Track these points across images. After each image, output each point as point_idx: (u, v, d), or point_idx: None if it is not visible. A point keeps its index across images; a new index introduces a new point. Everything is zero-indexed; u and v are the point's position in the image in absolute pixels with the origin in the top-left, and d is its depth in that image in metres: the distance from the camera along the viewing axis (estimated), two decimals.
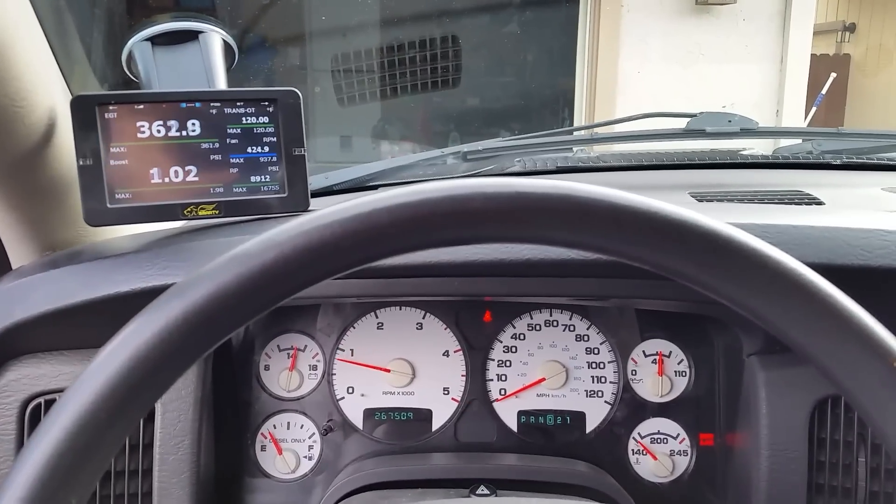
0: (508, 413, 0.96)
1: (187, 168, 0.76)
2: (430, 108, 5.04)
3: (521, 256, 0.72)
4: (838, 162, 1.32)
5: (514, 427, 0.96)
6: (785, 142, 1.61)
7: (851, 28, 7.86)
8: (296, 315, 0.96)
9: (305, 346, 0.96)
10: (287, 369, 0.95)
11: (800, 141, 1.49)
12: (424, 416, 0.96)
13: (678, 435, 0.95)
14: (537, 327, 0.96)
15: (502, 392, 0.96)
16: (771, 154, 1.47)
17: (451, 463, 0.90)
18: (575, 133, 1.74)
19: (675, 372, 0.95)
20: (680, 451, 0.95)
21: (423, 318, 0.96)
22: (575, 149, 1.47)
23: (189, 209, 0.76)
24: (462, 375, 0.96)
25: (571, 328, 0.96)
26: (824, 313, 0.39)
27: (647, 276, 0.76)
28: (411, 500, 0.78)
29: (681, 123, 1.37)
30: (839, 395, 0.80)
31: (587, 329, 0.96)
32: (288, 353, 0.95)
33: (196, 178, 0.76)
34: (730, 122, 1.37)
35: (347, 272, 0.40)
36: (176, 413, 0.81)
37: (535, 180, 0.40)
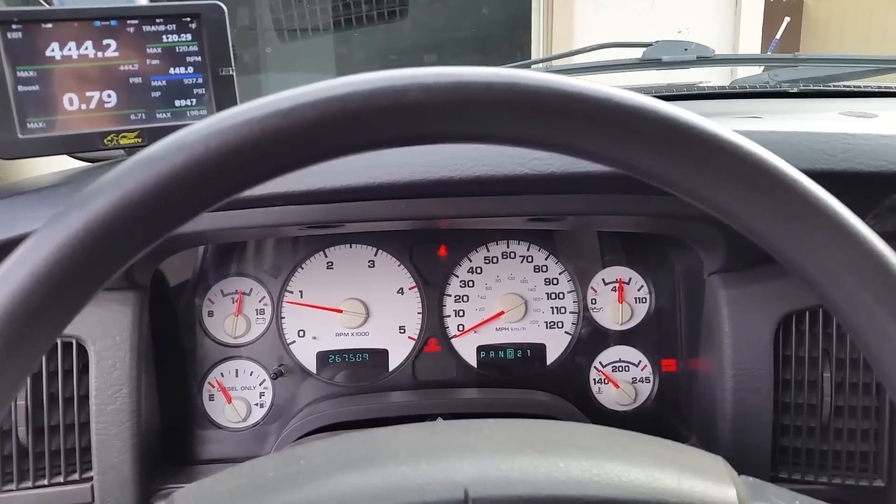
0: (467, 349, 0.93)
1: (105, 93, 0.69)
2: (381, 63, 4.94)
3: (471, 174, 0.68)
4: (795, 90, 1.31)
5: (474, 363, 0.93)
6: (742, 71, 1.59)
7: None
8: (238, 257, 0.91)
9: (251, 289, 0.91)
10: (232, 314, 0.90)
11: (758, 69, 1.47)
12: (380, 356, 0.92)
13: (640, 362, 0.93)
14: (494, 259, 0.92)
15: (460, 328, 0.92)
16: (728, 85, 1.44)
17: (409, 400, 0.87)
18: (533, 67, 1.68)
19: (636, 298, 0.93)
20: (642, 378, 0.93)
21: (375, 255, 0.91)
22: None
23: (109, 138, 0.69)
24: (418, 313, 0.92)
25: (529, 259, 0.92)
26: (810, 212, 0.35)
27: (603, 189, 0.73)
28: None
29: (637, 54, 1.34)
30: (803, 310, 0.78)
31: (545, 259, 0.92)
32: (232, 298, 0.91)
33: (115, 104, 0.69)
34: (686, 50, 1.34)
35: (269, 179, 0.36)
36: (111, 360, 0.76)
37: (478, 69, 0.36)
